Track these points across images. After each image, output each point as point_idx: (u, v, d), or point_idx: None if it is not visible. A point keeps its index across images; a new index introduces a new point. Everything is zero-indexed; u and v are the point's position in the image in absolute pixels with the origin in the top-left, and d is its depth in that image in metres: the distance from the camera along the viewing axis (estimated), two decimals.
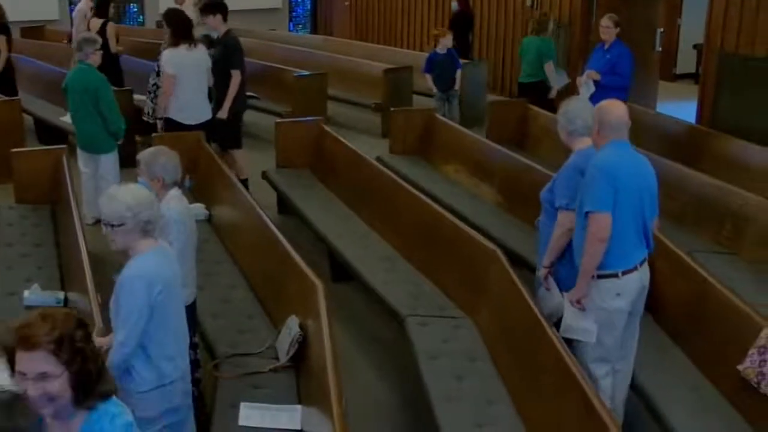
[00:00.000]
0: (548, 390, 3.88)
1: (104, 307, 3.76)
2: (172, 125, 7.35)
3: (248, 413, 3.93)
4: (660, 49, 11.19)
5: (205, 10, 7.66)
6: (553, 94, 9.40)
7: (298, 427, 3.89)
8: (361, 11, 16.26)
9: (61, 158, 6.62)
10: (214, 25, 7.60)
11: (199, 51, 7.33)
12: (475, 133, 8.25)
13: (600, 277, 4.13)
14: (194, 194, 6.70)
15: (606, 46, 8.02)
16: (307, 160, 7.83)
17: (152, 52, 10.79)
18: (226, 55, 7.49)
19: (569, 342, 4.17)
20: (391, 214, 6.30)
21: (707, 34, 9.39)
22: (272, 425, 3.88)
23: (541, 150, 8.36)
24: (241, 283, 5.47)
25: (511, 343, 4.46)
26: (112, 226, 3.27)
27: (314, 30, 17.98)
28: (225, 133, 7.63)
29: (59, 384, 2.21)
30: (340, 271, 6.13)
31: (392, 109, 8.97)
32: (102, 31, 9.35)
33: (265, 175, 7.78)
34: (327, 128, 7.90)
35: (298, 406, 4.02)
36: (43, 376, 2.19)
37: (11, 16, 9.76)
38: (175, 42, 7.18)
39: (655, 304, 4.73)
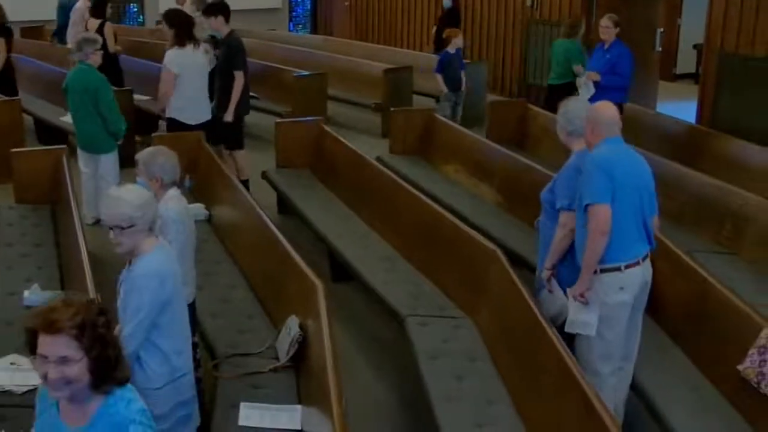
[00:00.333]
0: (548, 390, 3.88)
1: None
2: (174, 125, 7.36)
3: (248, 413, 3.93)
4: (660, 49, 11.20)
5: (207, 11, 7.66)
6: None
7: (298, 427, 3.89)
8: (361, 11, 16.27)
9: (61, 158, 6.62)
10: (217, 27, 7.59)
11: (201, 51, 7.34)
12: (475, 133, 8.25)
13: (603, 271, 4.15)
14: (194, 194, 6.71)
15: (606, 46, 8.03)
16: (307, 160, 7.83)
17: (152, 52, 10.83)
18: (229, 56, 7.49)
19: (571, 342, 4.17)
20: (391, 214, 6.30)
21: (707, 34, 9.39)
22: (272, 425, 3.88)
23: (541, 150, 8.36)
24: (241, 283, 5.47)
25: (511, 343, 4.46)
26: (122, 228, 3.24)
27: (314, 30, 17.98)
28: (227, 134, 7.63)
29: (78, 368, 2.27)
30: (340, 271, 6.13)
31: (392, 109, 8.97)
32: (100, 32, 9.34)
33: (265, 175, 7.77)
34: (327, 128, 7.90)
35: (298, 406, 4.02)
36: (63, 360, 2.25)
37: (11, 16, 9.75)
38: (180, 42, 7.17)
39: (655, 304, 4.73)
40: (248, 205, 5.86)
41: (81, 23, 10.28)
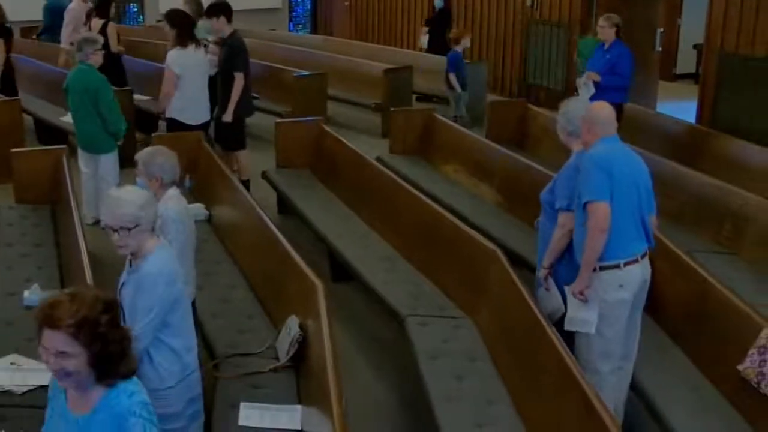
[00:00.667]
0: (548, 390, 3.88)
1: None
2: (174, 125, 7.36)
3: (248, 413, 3.93)
4: (660, 49, 11.20)
5: (209, 12, 7.64)
6: None
7: (298, 427, 3.89)
8: (361, 11, 16.27)
9: (61, 158, 6.62)
10: (219, 27, 7.57)
11: (201, 51, 7.34)
12: (475, 133, 8.25)
13: (602, 268, 4.16)
14: (194, 194, 6.71)
15: (606, 47, 8.02)
16: (307, 160, 7.83)
17: (152, 52, 10.83)
18: (230, 56, 7.48)
19: (570, 342, 4.17)
20: (391, 214, 6.30)
21: (707, 34, 9.39)
22: (272, 425, 3.88)
23: (541, 150, 8.36)
24: (241, 283, 5.47)
25: (511, 343, 4.46)
26: (129, 229, 3.24)
27: (314, 30, 17.98)
28: (229, 134, 7.63)
29: (77, 362, 2.31)
30: (340, 271, 6.13)
31: (392, 109, 8.97)
32: (103, 31, 9.34)
33: (265, 175, 7.77)
34: (327, 128, 7.90)
35: (298, 406, 4.02)
36: (62, 354, 2.29)
37: (11, 16, 9.75)
38: (182, 42, 7.16)
39: (654, 304, 4.73)
40: (248, 205, 5.86)
41: (75, 23, 10.27)
